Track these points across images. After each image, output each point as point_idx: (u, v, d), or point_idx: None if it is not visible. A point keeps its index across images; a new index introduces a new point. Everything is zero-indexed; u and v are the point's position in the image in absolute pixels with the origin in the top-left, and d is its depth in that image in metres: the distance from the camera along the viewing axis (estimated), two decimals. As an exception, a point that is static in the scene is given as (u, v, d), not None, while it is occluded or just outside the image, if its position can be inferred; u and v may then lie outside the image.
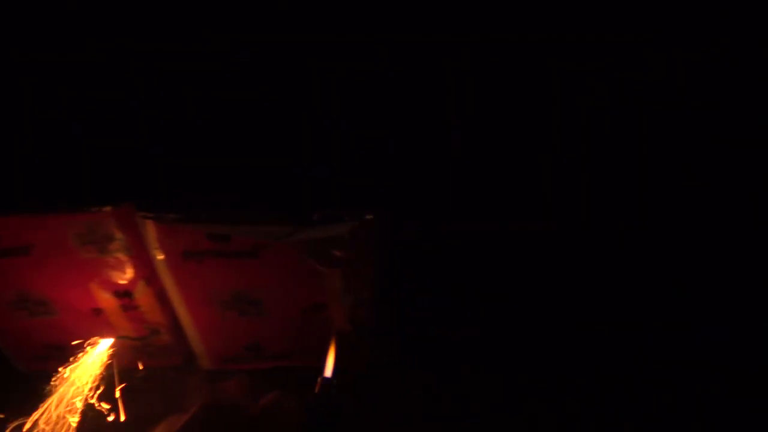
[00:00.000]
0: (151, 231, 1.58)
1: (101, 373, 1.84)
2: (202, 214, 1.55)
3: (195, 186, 1.68)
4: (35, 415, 1.67)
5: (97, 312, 1.83)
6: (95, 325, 1.86)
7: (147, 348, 1.94)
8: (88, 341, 1.86)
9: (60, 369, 1.77)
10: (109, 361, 1.89)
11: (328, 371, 1.59)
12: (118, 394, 1.87)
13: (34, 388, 1.77)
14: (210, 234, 1.58)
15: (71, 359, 1.81)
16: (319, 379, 1.58)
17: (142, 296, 1.78)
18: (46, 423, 1.68)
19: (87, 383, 1.80)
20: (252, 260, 1.62)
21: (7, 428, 1.70)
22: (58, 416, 1.71)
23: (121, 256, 1.69)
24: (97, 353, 1.88)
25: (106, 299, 1.79)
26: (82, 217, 1.60)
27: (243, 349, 1.90)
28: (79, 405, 1.77)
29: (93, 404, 1.86)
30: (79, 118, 2.17)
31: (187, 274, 1.68)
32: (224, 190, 1.68)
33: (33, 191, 1.95)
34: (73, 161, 2.06)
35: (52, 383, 1.77)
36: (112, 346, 1.90)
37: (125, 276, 1.73)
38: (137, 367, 2.00)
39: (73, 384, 1.77)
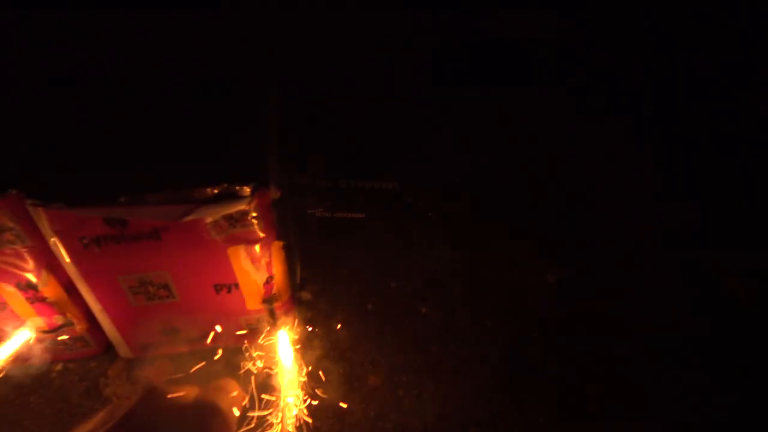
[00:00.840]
0: (43, 219, 1.53)
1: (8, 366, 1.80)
2: (94, 198, 1.50)
3: (85, 169, 1.61)
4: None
5: (2, 306, 1.77)
6: (2, 318, 1.80)
7: (62, 341, 1.89)
8: (-2, 334, 1.81)
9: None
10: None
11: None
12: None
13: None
14: (106, 219, 1.53)
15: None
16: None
17: (47, 287, 1.72)
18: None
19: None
20: (154, 242, 1.58)
21: None
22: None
23: (18, 247, 1.63)
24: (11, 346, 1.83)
25: (9, 292, 1.73)
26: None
27: (160, 334, 1.87)
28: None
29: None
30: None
31: (89, 261, 1.63)
32: (116, 171, 1.61)
33: None
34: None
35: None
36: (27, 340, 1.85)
37: (26, 267, 1.68)
38: (53, 360, 1.96)
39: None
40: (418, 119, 2.99)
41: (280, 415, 1.56)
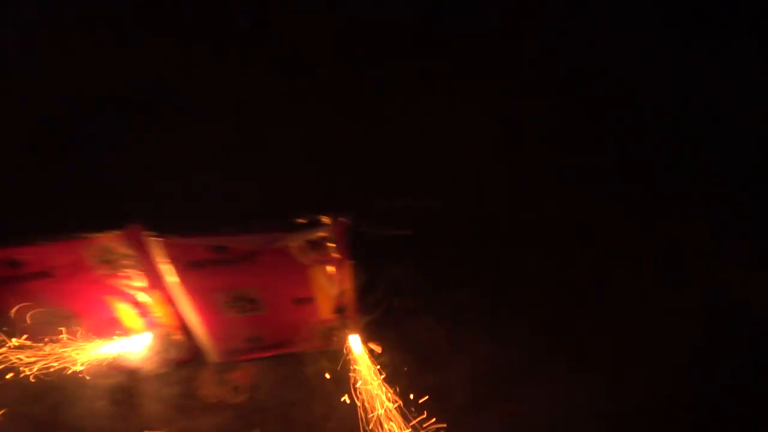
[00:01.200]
0: (158, 248, 1.84)
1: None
2: (201, 229, 1.81)
3: (191, 202, 1.93)
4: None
5: (114, 320, 2.09)
6: (111, 327, 2.12)
7: (161, 349, 2.21)
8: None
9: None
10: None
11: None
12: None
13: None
14: (211, 246, 1.84)
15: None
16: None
17: (155, 303, 2.04)
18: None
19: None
20: (248, 265, 1.89)
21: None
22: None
23: (133, 270, 1.95)
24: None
25: (122, 308, 2.05)
26: (97, 241, 1.85)
27: (245, 341, 2.17)
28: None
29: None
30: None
31: (192, 281, 1.94)
32: (217, 204, 1.93)
33: (43, 220, 2.20)
34: (78, 189, 2.31)
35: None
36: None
37: (138, 287, 1.99)
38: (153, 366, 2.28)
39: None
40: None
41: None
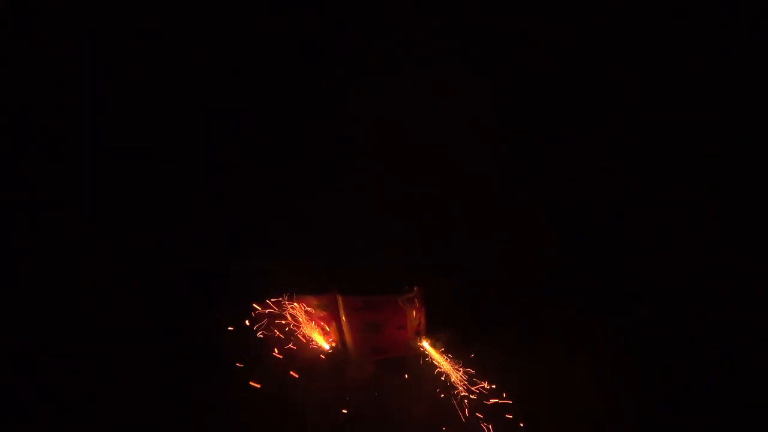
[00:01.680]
0: (341, 301, 4.10)
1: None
2: (361, 291, 4.07)
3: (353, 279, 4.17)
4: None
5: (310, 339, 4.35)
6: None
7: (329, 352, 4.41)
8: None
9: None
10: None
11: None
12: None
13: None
14: (362, 300, 4.10)
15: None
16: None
17: (330, 330, 4.28)
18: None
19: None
20: (377, 309, 4.13)
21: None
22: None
23: (323, 312, 4.20)
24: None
25: (314, 330, 4.29)
26: (322, 298, 4.06)
27: (371, 349, 4.36)
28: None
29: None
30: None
31: (351, 318, 4.18)
32: (363, 279, 4.17)
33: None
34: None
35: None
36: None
37: (324, 320, 4.23)
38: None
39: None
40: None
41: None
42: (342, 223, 3.90)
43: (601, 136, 4.40)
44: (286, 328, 3.59)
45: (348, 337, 4.13)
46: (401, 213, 4.09)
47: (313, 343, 3.66)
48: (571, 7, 4.27)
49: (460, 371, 3.40)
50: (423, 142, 4.42)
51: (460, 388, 3.51)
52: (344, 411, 3.27)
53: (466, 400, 3.35)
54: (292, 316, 3.63)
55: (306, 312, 3.69)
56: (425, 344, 3.71)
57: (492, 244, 4.13)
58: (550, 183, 4.43)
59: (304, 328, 3.56)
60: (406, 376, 3.78)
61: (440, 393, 3.54)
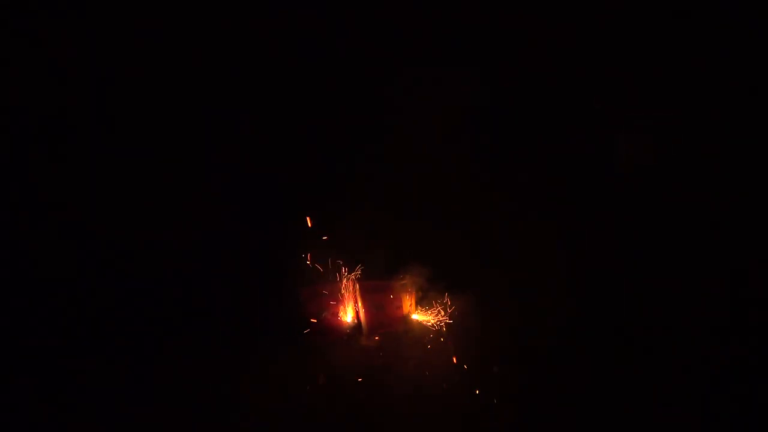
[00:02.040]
0: (357, 286, 4.17)
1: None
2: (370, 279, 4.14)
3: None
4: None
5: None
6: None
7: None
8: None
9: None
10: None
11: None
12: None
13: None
14: (372, 284, 4.15)
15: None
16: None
17: (352, 308, 4.34)
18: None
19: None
20: (383, 293, 4.19)
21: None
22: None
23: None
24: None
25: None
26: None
27: (377, 324, 4.41)
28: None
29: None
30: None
31: (365, 297, 4.23)
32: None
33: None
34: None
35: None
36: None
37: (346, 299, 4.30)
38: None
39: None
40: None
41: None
42: (351, 222, 4.24)
43: (601, 136, 4.41)
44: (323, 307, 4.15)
45: (362, 315, 4.39)
46: (400, 213, 4.32)
47: (340, 317, 4.11)
48: (571, 7, 4.34)
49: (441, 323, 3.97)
50: (423, 143, 4.42)
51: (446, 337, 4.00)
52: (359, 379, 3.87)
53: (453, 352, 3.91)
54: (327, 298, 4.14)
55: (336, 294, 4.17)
56: (415, 316, 4.15)
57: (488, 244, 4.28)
58: (550, 183, 4.47)
59: (335, 306, 4.13)
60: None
61: (430, 348, 4.11)
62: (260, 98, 4.74)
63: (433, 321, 4.06)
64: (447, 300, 4.13)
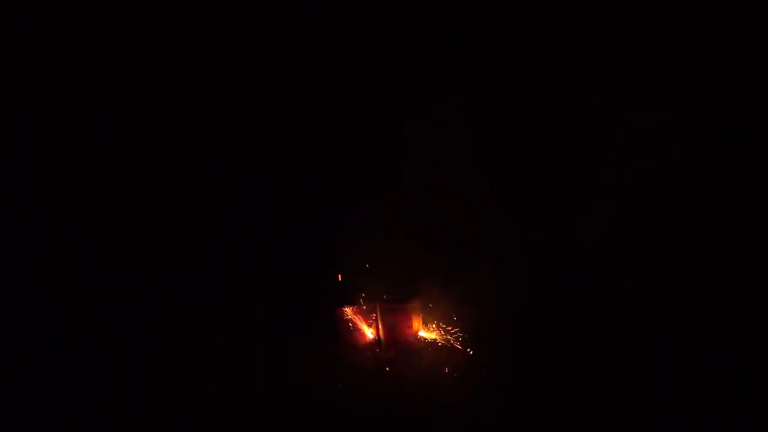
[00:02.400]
0: (378, 307, 4.21)
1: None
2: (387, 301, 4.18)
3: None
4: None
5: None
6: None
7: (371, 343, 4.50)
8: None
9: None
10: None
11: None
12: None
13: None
14: (390, 305, 4.19)
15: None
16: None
17: (372, 326, 4.36)
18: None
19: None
20: (399, 312, 4.25)
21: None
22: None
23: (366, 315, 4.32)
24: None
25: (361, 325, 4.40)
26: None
27: (392, 340, 4.48)
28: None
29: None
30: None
31: (383, 319, 4.27)
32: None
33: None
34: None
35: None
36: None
37: (369, 319, 4.33)
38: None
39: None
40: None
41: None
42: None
43: (601, 136, 4.42)
44: (350, 324, 4.36)
45: (381, 332, 4.44)
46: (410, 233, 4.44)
47: (363, 333, 4.32)
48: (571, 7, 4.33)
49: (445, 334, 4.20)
50: (423, 143, 4.44)
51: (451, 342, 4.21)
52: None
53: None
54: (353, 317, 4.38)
55: (360, 315, 4.41)
56: (422, 333, 4.36)
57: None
58: (549, 183, 4.45)
59: (360, 324, 4.37)
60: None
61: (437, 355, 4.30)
62: (260, 98, 4.73)
63: (438, 338, 4.30)
64: (454, 317, 4.31)
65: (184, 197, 4.61)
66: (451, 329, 4.27)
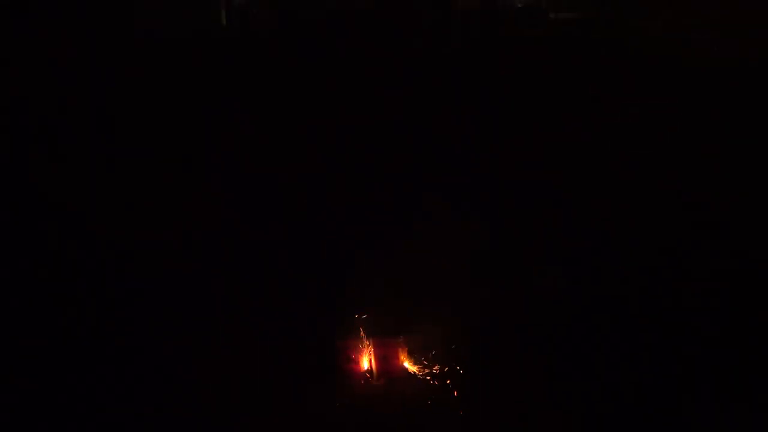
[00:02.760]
0: (371, 343, 4.23)
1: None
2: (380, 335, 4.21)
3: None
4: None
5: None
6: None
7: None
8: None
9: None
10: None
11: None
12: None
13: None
14: (381, 342, 4.21)
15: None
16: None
17: (366, 358, 4.37)
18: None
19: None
20: (388, 345, 4.23)
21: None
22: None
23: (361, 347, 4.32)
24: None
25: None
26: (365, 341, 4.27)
27: (382, 371, 4.41)
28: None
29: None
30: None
31: (377, 349, 4.28)
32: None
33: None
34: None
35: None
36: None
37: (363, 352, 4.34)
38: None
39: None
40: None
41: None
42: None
43: (601, 136, 4.48)
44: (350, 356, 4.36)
45: (373, 363, 4.47)
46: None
47: (359, 364, 4.35)
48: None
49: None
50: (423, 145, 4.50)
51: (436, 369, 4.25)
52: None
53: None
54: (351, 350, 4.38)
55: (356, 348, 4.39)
56: (406, 365, 4.37)
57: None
58: (549, 183, 4.50)
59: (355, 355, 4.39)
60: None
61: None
62: (260, 98, 4.81)
63: (419, 371, 4.33)
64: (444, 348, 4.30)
65: (184, 197, 4.62)
66: (440, 361, 4.30)
